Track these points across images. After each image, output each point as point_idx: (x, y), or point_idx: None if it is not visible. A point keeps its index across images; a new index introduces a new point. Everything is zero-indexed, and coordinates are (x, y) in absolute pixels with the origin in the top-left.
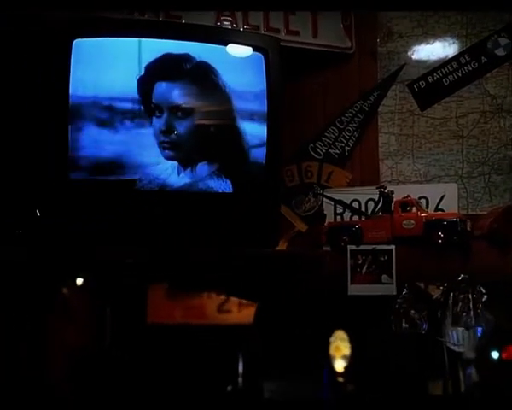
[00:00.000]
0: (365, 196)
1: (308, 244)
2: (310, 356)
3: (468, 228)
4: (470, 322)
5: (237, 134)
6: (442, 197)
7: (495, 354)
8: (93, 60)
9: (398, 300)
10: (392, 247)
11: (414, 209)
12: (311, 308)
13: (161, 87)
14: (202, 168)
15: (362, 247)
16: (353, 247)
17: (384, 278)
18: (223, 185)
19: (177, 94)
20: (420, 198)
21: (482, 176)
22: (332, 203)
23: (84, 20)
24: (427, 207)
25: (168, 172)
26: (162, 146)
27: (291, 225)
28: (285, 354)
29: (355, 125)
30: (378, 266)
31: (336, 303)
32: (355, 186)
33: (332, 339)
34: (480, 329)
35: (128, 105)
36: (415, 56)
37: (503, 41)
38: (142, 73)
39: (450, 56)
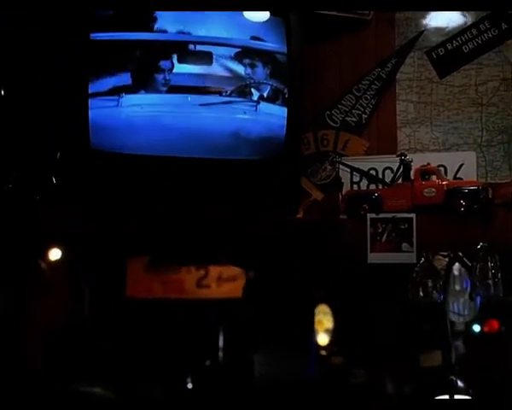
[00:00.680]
0: (382, 164)
1: (324, 213)
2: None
3: (490, 196)
4: (488, 291)
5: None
6: (461, 166)
7: (476, 328)
8: None
9: (416, 268)
10: (413, 215)
11: (434, 177)
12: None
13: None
14: None
15: (382, 215)
16: (373, 215)
17: (404, 246)
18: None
19: None
20: (438, 167)
21: (501, 144)
22: (348, 171)
23: None
24: (445, 175)
25: None
26: None
27: (307, 193)
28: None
29: (372, 92)
30: (398, 235)
31: (356, 271)
32: (372, 155)
33: (315, 313)
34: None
35: None
36: (433, 23)
37: None
38: None
39: (469, 23)
